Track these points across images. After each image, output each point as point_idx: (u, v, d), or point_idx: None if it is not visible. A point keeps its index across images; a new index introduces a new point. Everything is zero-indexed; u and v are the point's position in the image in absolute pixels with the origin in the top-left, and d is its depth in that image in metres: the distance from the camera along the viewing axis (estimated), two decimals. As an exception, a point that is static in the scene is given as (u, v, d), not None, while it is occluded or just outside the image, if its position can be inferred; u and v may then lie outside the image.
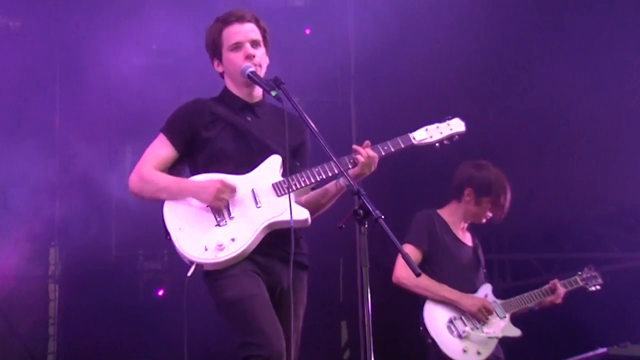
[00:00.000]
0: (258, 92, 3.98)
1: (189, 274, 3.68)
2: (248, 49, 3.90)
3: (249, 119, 3.95)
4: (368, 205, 3.30)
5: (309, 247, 3.99)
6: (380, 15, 7.14)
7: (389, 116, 6.72)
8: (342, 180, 3.82)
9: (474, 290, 5.40)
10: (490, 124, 7.07)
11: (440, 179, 5.93)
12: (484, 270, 5.59)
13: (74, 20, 7.27)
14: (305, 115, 3.68)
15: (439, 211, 5.54)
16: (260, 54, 3.94)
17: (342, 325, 7.95)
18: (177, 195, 3.79)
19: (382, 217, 3.27)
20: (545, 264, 7.78)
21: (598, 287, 5.79)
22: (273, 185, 3.79)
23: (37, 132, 7.16)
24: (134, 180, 3.90)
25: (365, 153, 3.79)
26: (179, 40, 6.97)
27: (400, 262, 5.22)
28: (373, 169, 3.82)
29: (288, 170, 3.81)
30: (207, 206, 3.75)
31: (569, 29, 7.20)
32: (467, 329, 5.23)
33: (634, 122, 7.02)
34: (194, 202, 3.78)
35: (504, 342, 5.40)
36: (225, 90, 4.03)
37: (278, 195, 3.77)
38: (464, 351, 5.18)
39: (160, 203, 3.82)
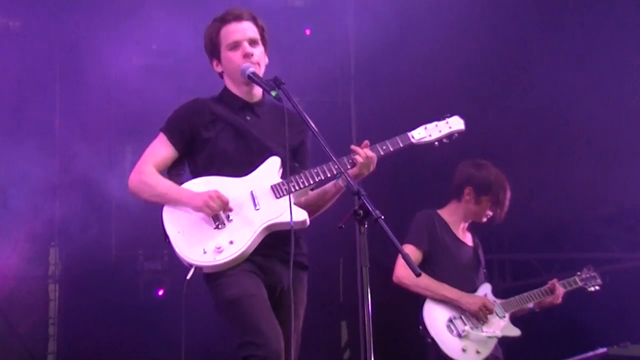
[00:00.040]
0: (258, 91, 3.97)
1: (188, 277, 3.68)
2: (246, 48, 3.90)
3: (248, 118, 3.95)
4: (368, 206, 3.30)
5: (309, 247, 3.99)
6: (380, 15, 7.14)
7: (389, 116, 6.72)
8: (341, 181, 3.82)
9: (474, 290, 5.40)
10: (490, 124, 7.07)
11: (440, 179, 5.93)
12: (484, 270, 5.59)
13: (74, 20, 7.27)
14: (305, 116, 3.68)
15: (439, 211, 5.54)
16: (259, 52, 3.94)
17: (342, 325, 7.95)
18: (172, 203, 3.80)
19: (382, 217, 3.27)
20: (545, 264, 7.77)
21: (597, 287, 5.79)
22: (272, 187, 3.79)
23: (37, 132, 7.15)
24: (134, 180, 3.91)
25: (364, 153, 3.78)
26: (179, 40, 6.97)
27: (400, 261, 5.23)
28: (372, 169, 3.82)
29: (288, 171, 3.81)
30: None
31: (569, 29, 7.20)
32: (467, 328, 5.24)
33: (634, 122, 7.02)
34: None
35: (504, 342, 5.40)
36: (225, 89, 4.03)
37: (277, 197, 3.77)
38: (464, 350, 5.19)
39: (160, 205, 3.83)
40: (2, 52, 7.08)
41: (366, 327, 3.24)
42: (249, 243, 3.70)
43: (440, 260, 5.37)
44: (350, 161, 3.78)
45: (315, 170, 3.81)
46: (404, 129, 3.95)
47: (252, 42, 3.93)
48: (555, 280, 5.63)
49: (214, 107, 3.95)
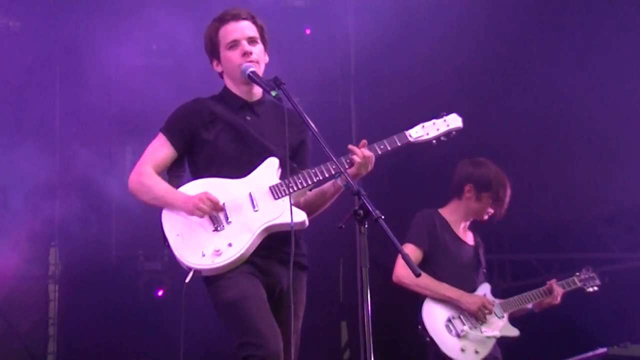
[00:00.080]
0: (258, 90, 3.97)
1: (187, 280, 3.68)
2: (244, 46, 3.90)
3: (248, 118, 3.95)
4: (368, 206, 3.30)
5: (309, 248, 3.99)
6: (380, 15, 7.13)
7: (389, 116, 6.71)
8: (339, 181, 3.82)
9: (474, 290, 5.41)
10: (490, 124, 7.07)
11: (440, 179, 5.93)
12: (484, 270, 5.59)
13: (74, 20, 7.27)
14: (305, 116, 3.68)
15: (440, 210, 5.55)
16: (258, 50, 3.94)
17: (342, 326, 7.94)
18: (168, 206, 3.80)
19: (382, 217, 3.27)
20: (545, 264, 7.77)
21: (596, 288, 5.79)
22: (270, 188, 3.79)
23: (37, 132, 7.15)
24: (133, 181, 3.92)
25: (361, 153, 3.77)
26: (179, 40, 6.97)
27: (400, 261, 5.23)
28: (370, 168, 3.81)
29: (288, 171, 3.80)
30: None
31: (569, 29, 7.20)
32: (466, 328, 5.24)
33: (634, 122, 7.02)
34: None
35: (504, 342, 5.40)
36: (225, 89, 4.04)
37: (275, 198, 3.77)
38: (462, 350, 5.19)
39: (159, 208, 3.84)
40: (2, 52, 7.07)
41: (366, 327, 3.24)
42: (247, 245, 3.70)
43: (440, 260, 5.37)
44: (348, 161, 3.77)
45: (314, 171, 3.80)
46: (404, 129, 3.95)
47: (251, 41, 3.93)
48: (553, 281, 5.63)
49: (214, 107, 3.95)
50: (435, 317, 5.25)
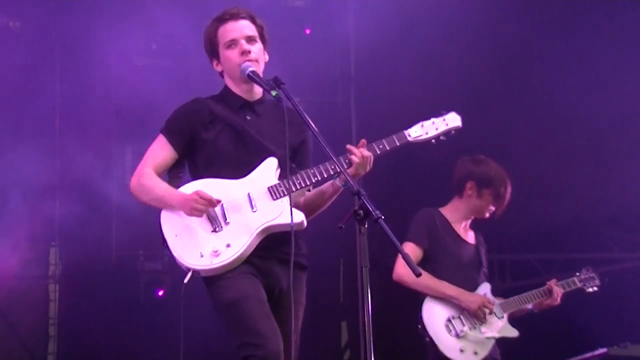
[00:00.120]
0: (258, 89, 3.97)
1: (185, 280, 3.69)
2: (243, 45, 3.90)
3: (248, 117, 3.95)
4: (368, 206, 3.29)
5: (309, 248, 3.99)
6: (380, 15, 7.13)
7: (389, 116, 6.71)
8: (338, 181, 3.82)
9: (475, 289, 5.40)
10: (490, 124, 7.07)
11: (440, 179, 5.93)
12: (485, 270, 5.59)
13: (74, 20, 7.26)
14: (305, 116, 3.68)
15: (441, 209, 5.55)
16: (257, 49, 3.94)
17: (342, 326, 7.94)
18: (168, 206, 3.80)
19: (382, 217, 3.27)
20: (546, 265, 7.77)
21: (595, 288, 5.79)
22: (269, 188, 3.79)
23: (37, 132, 7.15)
24: (133, 183, 3.93)
25: (359, 153, 3.77)
26: (179, 40, 6.97)
27: (401, 259, 5.22)
28: (368, 168, 3.80)
29: (288, 171, 3.80)
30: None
31: (569, 30, 7.20)
32: (465, 328, 5.24)
33: (634, 122, 7.02)
34: None
35: (504, 342, 5.40)
36: (226, 89, 4.04)
37: (274, 199, 3.77)
38: (461, 351, 5.19)
39: (159, 209, 3.84)
40: (2, 52, 7.07)
41: (366, 328, 3.24)
42: (246, 246, 3.70)
43: (441, 259, 5.37)
44: (346, 161, 3.76)
45: (312, 171, 3.80)
46: (404, 129, 3.94)
47: (250, 40, 3.93)
48: (553, 281, 5.63)
49: (214, 107, 3.95)
50: (435, 317, 5.25)
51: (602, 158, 7.15)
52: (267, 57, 4.01)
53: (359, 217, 3.31)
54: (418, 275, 3.33)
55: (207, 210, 3.71)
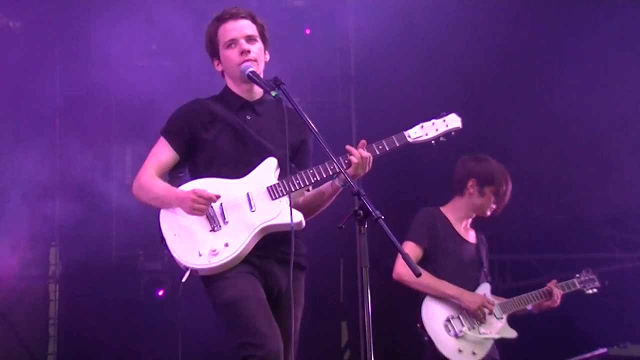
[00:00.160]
0: (258, 89, 3.96)
1: (184, 280, 3.69)
2: (242, 45, 3.89)
3: (248, 117, 3.95)
4: (368, 206, 3.29)
5: (309, 248, 3.99)
6: (380, 15, 7.14)
7: (389, 116, 6.71)
8: (337, 181, 3.81)
9: (475, 289, 5.40)
10: (490, 124, 7.07)
11: (440, 179, 5.93)
12: (485, 270, 5.58)
13: (74, 20, 7.27)
14: (305, 116, 3.68)
15: (442, 208, 5.54)
16: (257, 49, 3.93)
17: (342, 326, 7.94)
18: (167, 205, 3.81)
19: (382, 217, 3.26)
20: (546, 265, 7.76)
21: (595, 290, 5.78)
22: (267, 188, 3.79)
23: (37, 133, 7.15)
24: (134, 185, 3.95)
25: (358, 154, 3.76)
26: (179, 40, 6.97)
27: (401, 258, 5.22)
28: (367, 169, 3.79)
29: (288, 171, 3.80)
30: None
31: (569, 30, 7.20)
32: (464, 328, 5.24)
33: (634, 122, 7.02)
34: None
35: (504, 342, 5.40)
36: (226, 88, 4.04)
37: (272, 199, 3.77)
38: (460, 351, 5.19)
39: (159, 208, 3.84)
40: (2, 52, 7.07)
41: (366, 328, 3.24)
42: (244, 245, 3.70)
43: (441, 258, 5.37)
44: (345, 161, 3.75)
45: (311, 171, 3.80)
46: (404, 129, 3.94)
47: (250, 39, 3.93)
48: (553, 282, 5.62)
49: (214, 107, 3.95)
50: (434, 316, 5.24)
51: (602, 158, 7.14)
52: (268, 56, 4.01)
53: (359, 217, 3.32)
54: (418, 275, 3.33)
55: (208, 208, 3.71)
